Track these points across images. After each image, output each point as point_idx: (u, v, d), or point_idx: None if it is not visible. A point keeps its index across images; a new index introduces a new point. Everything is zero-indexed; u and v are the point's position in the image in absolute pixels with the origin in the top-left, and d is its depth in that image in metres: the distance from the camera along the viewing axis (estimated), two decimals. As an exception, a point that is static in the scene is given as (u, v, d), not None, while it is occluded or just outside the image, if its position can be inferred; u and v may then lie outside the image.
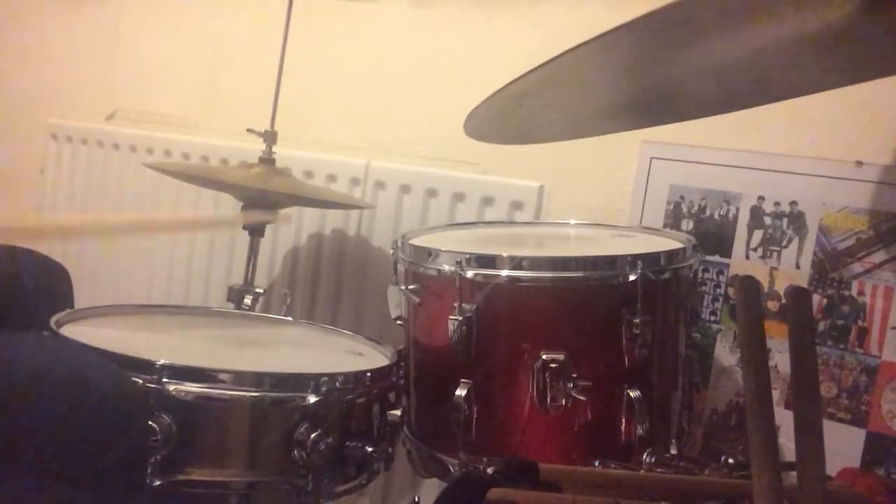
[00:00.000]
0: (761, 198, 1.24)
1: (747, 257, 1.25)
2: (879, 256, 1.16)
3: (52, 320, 1.05)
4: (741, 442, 1.24)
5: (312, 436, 0.96)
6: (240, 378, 0.96)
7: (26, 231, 1.10)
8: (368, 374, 1.05)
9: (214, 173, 1.52)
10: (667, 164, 1.32)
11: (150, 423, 0.90)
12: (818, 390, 0.61)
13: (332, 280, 1.63)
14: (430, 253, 1.03)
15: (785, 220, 1.23)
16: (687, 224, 1.30)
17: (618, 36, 0.70)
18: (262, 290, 1.44)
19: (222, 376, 0.95)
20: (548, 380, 0.94)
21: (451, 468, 1.01)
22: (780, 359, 1.20)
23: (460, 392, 0.98)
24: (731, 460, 0.81)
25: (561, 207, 1.41)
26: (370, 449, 1.03)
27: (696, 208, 1.29)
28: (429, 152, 1.57)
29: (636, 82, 0.92)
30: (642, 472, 0.88)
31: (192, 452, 0.94)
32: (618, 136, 1.22)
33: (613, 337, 0.95)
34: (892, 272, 1.16)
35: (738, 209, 1.26)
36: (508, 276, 0.97)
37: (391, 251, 1.12)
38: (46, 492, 0.81)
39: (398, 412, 1.09)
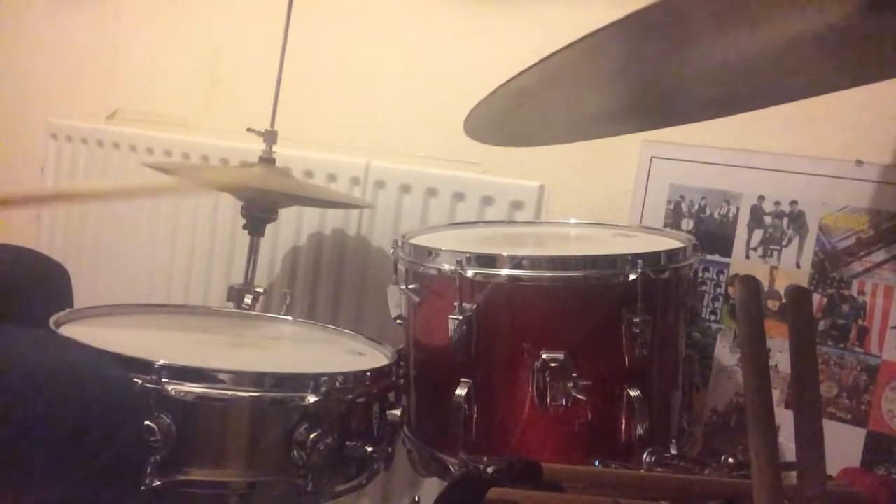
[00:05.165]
0: (761, 197, 1.24)
1: (747, 257, 1.25)
2: (879, 256, 1.16)
3: (52, 320, 1.05)
4: (741, 442, 1.24)
5: (312, 436, 0.96)
6: (239, 378, 0.96)
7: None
8: (368, 373, 1.05)
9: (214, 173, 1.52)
10: (667, 164, 1.32)
11: (149, 423, 0.90)
12: (818, 390, 0.61)
13: (332, 280, 1.63)
14: (430, 252, 1.03)
15: (785, 220, 1.23)
16: (687, 224, 1.30)
17: (617, 35, 0.70)
18: (262, 290, 1.44)
19: (222, 376, 0.95)
20: (548, 379, 0.94)
21: (451, 468, 1.01)
22: (780, 359, 1.20)
23: (460, 392, 0.98)
24: (731, 460, 0.81)
25: (561, 207, 1.41)
26: (370, 449, 1.03)
27: (696, 208, 1.29)
28: (429, 152, 1.57)
29: (635, 85, 0.92)
30: (642, 472, 0.88)
31: (192, 452, 0.94)
32: (618, 136, 1.22)
33: (613, 336, 0.95)
34: (892, 272, 1.15)
35: (738, 209, 1.26)
36: (508, 276, 0.97)
37: (391, 251, 1.12)
38: (44, 491, 0.81)
39: (398, 412, 1.09)
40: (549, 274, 0.96)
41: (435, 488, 1.31)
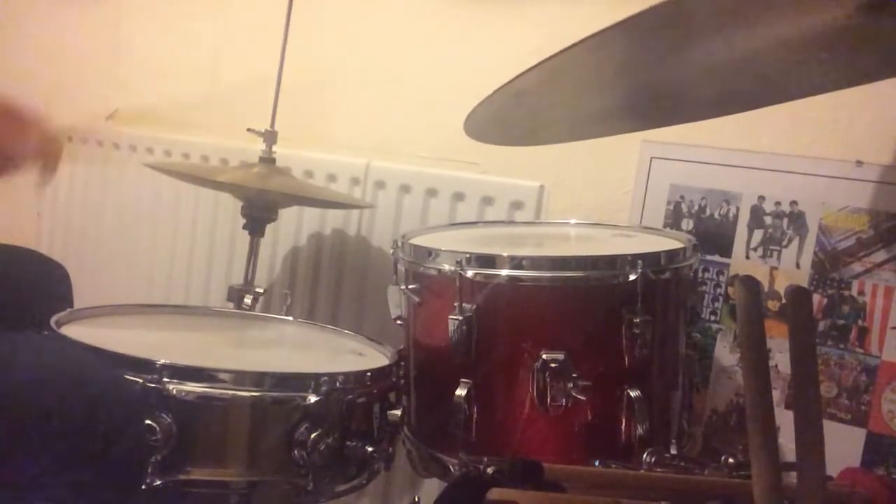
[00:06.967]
0: (761, 198, 1.24)
1: (747, 257, 1.26)
2: (879, 256, 1.16)
3: (52, 320, 1.05)
4: (741, 442, 1.24)
5: (313, 436, 0.96)
6: (240, 378, 0.96)
7: None
8: (368, 374, 1.05)
9: (214, 173, 1.52)
10: (667, 164, 1.32)
11: (150, 422, 0.90)
12: (818, 390, 0.61)
13: (332, 280, 1.63)
14: (430, 252, 1.03)
15: (785, 220, 1.23)
16: (687, 224, 1.30)
17: (618, 35, 0.70)
18: (262, 290, 1.44)
19: (222, 376, 0.95)
20: (548, 380, 0.94)
21: (451, 468, 1.01)
22: (780, 359, 1.20)
23: (460, 392, 0.98)
24: (731, 460, 0.81)
25: (561, 207, 1.41)
26: (370, 449, 1.03)
27: (696, 208, 1.30)
28: (429, 152, 1.57)
29: (636, 84, 0.92)
30: (642, 472, 0.88)
31: (193, 452, 0.94)
32: (618, 136, 1.22)
33: (613, 337, 0.95)
34: (892, 272, 1.16)
35: (738, 209, 1.26)
36: (508, 276, 0.97)
37: (391, 251, 1.12)
38: (45, 492, 0.81)
39: (398, 412, 1.09)
40: (549, 274, 0.96)
41: (435, 488, 1.31)
